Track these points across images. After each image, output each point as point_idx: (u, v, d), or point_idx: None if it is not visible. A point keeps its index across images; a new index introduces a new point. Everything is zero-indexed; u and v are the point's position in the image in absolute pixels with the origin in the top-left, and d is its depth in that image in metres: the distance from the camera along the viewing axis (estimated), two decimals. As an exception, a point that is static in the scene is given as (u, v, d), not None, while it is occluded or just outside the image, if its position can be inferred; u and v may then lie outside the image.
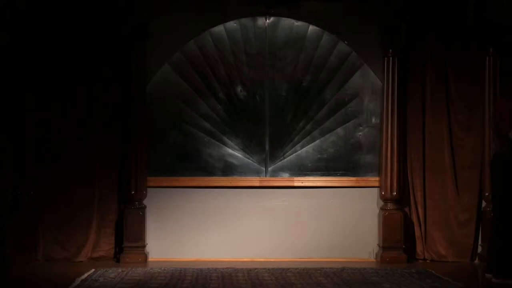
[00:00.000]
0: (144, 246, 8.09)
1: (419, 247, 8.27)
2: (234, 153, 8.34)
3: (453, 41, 8.24)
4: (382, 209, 8.23)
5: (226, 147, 8.32)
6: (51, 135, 8.03)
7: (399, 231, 8.13)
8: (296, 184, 8.33)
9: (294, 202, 8.34)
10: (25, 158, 7.97)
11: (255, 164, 8.34)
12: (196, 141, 8.31)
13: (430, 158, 8.26)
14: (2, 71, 7.65)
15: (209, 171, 8.31)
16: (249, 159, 8.34)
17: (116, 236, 8.15)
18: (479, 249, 8.21)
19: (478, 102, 8.22)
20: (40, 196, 8.00)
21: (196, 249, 8.24)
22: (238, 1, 8.29)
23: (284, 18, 8.32)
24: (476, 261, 8.19)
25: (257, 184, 8.32)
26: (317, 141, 8.36)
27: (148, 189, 8.19)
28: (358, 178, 8.34)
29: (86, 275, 7.11)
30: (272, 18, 8.33)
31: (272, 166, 8.35)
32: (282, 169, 8.36)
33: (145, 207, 8.15)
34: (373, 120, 8.36)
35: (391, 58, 8.17)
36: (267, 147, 8.35)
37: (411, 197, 8.30)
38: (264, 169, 8.35)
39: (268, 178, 8.34)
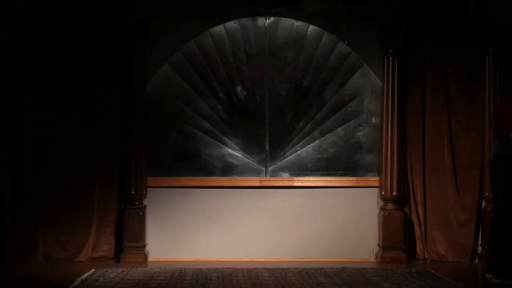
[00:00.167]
0: (144, 246, 8.09)
1: (419, 247, 8.26)
2: (234, 153, 8.34)
3: (453, 41, 8.24)
4: (382, 209, 8.23)
5: (226, 147, 8.32)
6: (51, 135, 8.03)
7: (399, 231, 8.13)
8: (296, 184, 8.33)
9: (294, 202, 8.34)
10: (25, 158, 7.97)
11: (255, 164, 8.34)
12: (196, 141, 8.31)
13: (430, 158, 8.26)
14: (2, 71, 7.65)
15: (209, 171, 8.31)
16: (249, 159, 8.34)
17: (116, 236, 8.15)
18: (479, 249, 8.21)
19: (478, 102, 8.22)
20: (40, 196, 8.00)
21: (196, 249, 8.24)
22: (238, 1, 8.29)
23: (284, 18, 8.32)
24: (476, 261, 8.19)
25: (257, 184, 8.32)
26: (317, 141, 8.36)
27: (148, 189, 8.19)
28: (358, 178, 8.34)
29: (86, 275, 7.11)
30: (272, 18, 8.33)
31: (272, 166, 8.35)
32: (282, 169, 8.36)
33: (145, 207, 8.15)
34: (373, 120, 8.36)
35: (391, 58, 8.17)
36: (267, 147, 8.35)
37: (411, 197, 8.30)
38: (264, 169, 8.35)
39: (268, 178, 8.34)
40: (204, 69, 8.29)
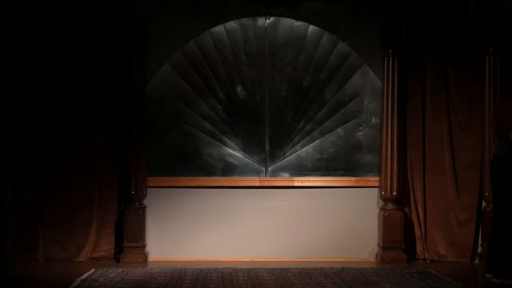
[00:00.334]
0: (144, 246, 8.09)
1: (419, 247, 8.26)
2: (234, 153, 8.34)
3: (453, 41, 8.24)
4: (382, 209, 8.23)
5: (226, 147, 8.32)
6: (51, 135, 8.03)
7: (399, 231, 8.13)
8: (296, 184, 8.33)
9: (294, 202, 8.34)
10: (25, 158, 7.97)
11: (255, 164, 8.34)
12: (196, 141, 8.31)
13: (430, 158, 8.26)
14: (2, 71, 7.65)
15: (209, 171, 8.31)
16: (249, 159, 8.34)
17: (116, 236, 8.15)
18: (479, 249, 8.21)
19: (478, 102, 8.22)
20: (40, 196, 7.99)
21: (196, 249, 8.24)
22: (238, 1, 8.29)
23: (284, 18, 8.32)
24: (476, 261, 8.19)
25: (257, 184, 8.32)
26: (317, 141, 8.36)
27: (148, 189, 8.19)
28: (358, 178, 8.34)
29: (86, 275, 7.11)
30: (272, 18, 8.33)
31: (272, 166, 8.35)
32: (282, 169, 8.36)
33: (145, 207, 8.15)
34: (373, 120, 8.36)
35: (391, 58, 8.17)
36: (267, 147, 8.35)
37: (411, 197, 8.30)
38: (264, 169, 8.35)
39: (268, 178, 8.34)
40: (204, 69, 8.29)
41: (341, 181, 8.34)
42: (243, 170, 8.33)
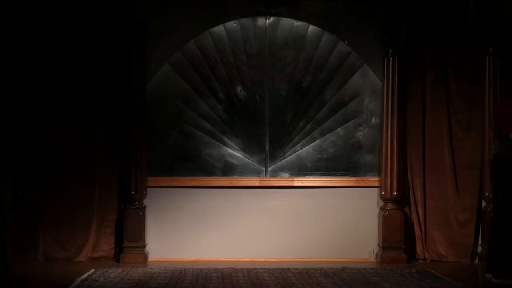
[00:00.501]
0: (144, 246, 8.09)
1: (419, 247, 8.26)
2: (234, 153, 8.34)
3: (453, 41, 8.24)
4: (382, 209, 8.23)
5: (226, 147, 8.32)
6: (51, 135, 8.03)
7: (399, 231, 8.13)
8: (296, 184, 8.33)
9: (294, 202, 8.34)
10: (25, 158, 7.97)
11: (255, 164, 8.34)
12: (196, 141, 8.31)
13: (430, 158, 8.26)
14: (2, 71, 7.65)
15: (209, 171, 8.31)
16: (249, 159, 8.34)
17: (116, 236, 8.15)
18: (479, 249, 8.21)
19: (478, 102, 8.22)
20: (40, 196, 7.99)
21: (196, 249, 8.24)
22: (238, 1, 8.29)
23: (284, 18, 8.32)
24: (476, 261, 8.19)
25: (257, 184, 8.32)
26: (317, 141, 8.36)
27: (148, 189, 8.19)
28: (358, 178, 8.34)
29: (86, 275, 7.11)
30: (272, 18, 8.33)
31: (272, 166, 8.35)
32: (282, 169, 8.36)
33: (145, 207, 8.15)
34: (373, 120, 8.36)
35: (391, 58, 8.17)
36: (267, 147, 8.35)
37: (411, 197, 8.30)
38: (264, 169, 8.35)
39: (268, 178, 8.34)
40: (204, 69, 8.29)
41: (341, 181, 8.34)
42: (243, 170, 8.33)
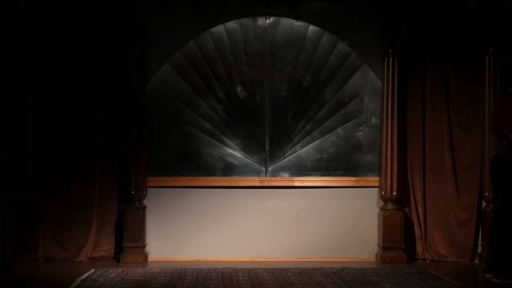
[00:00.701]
0: (144, 246, 8.09)
1: (419, 247, 8.27)
2: (234, 153, 8.34)
3: (453, 41, 8.24)
4: (382, 209, 8.23)
5: (226, 147, 8.32)
6: (51, 135, 8.03)
7: (399, 231, 8.13)
8: (296, 184, 8.33)
9: (294, 202, 8.34)
10: (25, 158, 7.97)
11: (255, 164, 8.34)
12: (196, 141, 8.31)
13: (430, 158, 8.26)
14: (2, 71, 7.65)
15: (209, 171, 8.31)
16: (249, 159, 8.34)
17: (116, 236, 8.15)
18: (479, 249, 8.21)
19: (478, 102, 8.22)
20: (40, 196, 8.00)
21: (196, 249, 8.24)
22: (238, 1, 8.29)
23: (284, 18, 8.32)
24: (476, 261, 8.19)
25: (257, 184, 8.32)
26: (317, 141, 8.36)
27: (148, 189, 8.19)
28: (358, 178, 8.34)
29: (86, 275, 7.11)
30: (272, 18, 8.33)
31: (272, 166, 8.35)
32: (282, 169, 8.36)
33: (145, 207, 8.15)
34: (373, 120, 8.36)
35: (391, 58, 8.17)
36: (267, 147, 8.35)
37: (411, 197, 8.30)
38: (264, 169, 8.35)
39: (268, 178, 8.34)
40: (204, 69, 8.29)
41: (341, 181, 8.34)
42: (243, 170, 8.33)
